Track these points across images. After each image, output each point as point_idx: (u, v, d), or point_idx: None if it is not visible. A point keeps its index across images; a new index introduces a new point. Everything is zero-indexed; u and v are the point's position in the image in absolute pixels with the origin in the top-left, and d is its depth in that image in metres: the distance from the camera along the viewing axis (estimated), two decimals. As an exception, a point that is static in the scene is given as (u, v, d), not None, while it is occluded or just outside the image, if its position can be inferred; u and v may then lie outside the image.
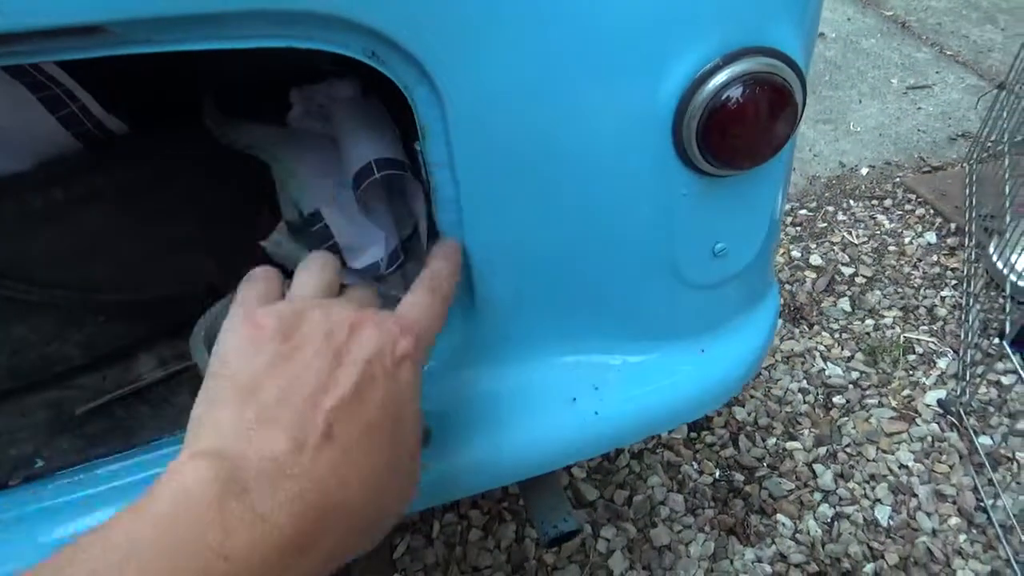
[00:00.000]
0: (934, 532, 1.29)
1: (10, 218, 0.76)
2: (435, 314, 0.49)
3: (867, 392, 1.56)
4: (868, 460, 1.42)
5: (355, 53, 0.58)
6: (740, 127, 0.62)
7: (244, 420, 0.36)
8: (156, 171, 0.83)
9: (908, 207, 2.13)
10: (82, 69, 0.80)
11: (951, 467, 1.39)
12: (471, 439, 0.73)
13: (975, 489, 1.35)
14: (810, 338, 1.70)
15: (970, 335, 1.65)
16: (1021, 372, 1.31)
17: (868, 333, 1.71)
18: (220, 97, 0.99)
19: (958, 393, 1.52)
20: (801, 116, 0.66)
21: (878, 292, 1.82)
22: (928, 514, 1.32)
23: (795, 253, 1.95)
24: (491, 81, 0.59)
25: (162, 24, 0.51)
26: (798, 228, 2.05)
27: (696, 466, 1.43)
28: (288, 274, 0.91)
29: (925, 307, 1.77)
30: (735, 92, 0.60)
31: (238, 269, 0.91)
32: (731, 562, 1.27)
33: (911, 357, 1.64)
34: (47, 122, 0.77)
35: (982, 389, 1.52)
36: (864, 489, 1.37)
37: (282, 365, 0.39)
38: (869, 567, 1.26)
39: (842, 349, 1.67)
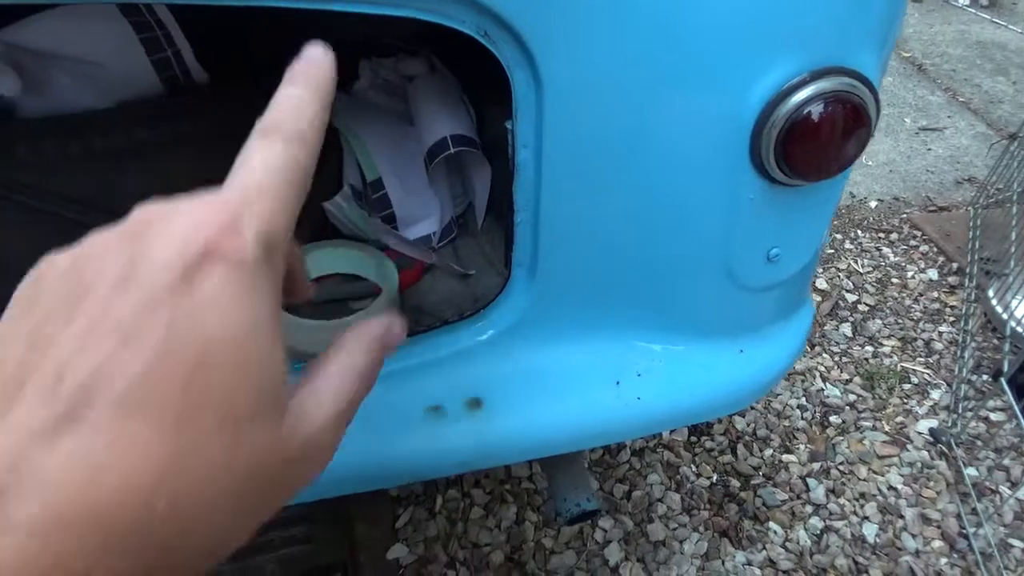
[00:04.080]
0: (917, 553, 1.35)
1: (96, 152, 0.78)
2: (287, 168, 0.29)
3: (862, 415, 1.62)
4: (859, 479, 1.47)
5: (469, 30, 0.61)
6: (817, 141, 0.66)
7: None
8: (237, 121, 0.85)
9: (913, 243, 2.19)
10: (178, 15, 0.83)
11: (938, 493, 1.45)
12: (521, 409, 0.76)
13: (959, 516, 1.40)
14: (811, 358, 1.75)
15: (964, 371, 1.71)
16: (1016, 409, 1.36)
17: (867, 359, 1.76)
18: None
19: (949, 424, 1.58)
20: (871, 136, 0.70)
21: (879, 321, 1.88)
22: (913, 535, 1.37)
23: (802, 275, 2.01)
24: (589, 72, 0.63)
25: (306, -20, 0.54)
26: (806, 252, 2.11)
27: (695, 468, 1.47)
28: (340, 235, 0.94)
29: (923, 340, 1.83)
30: (817, 108, 0.65)
31: (298, 225, 0.94)
32: (723, 563, 1.31)
33: (906, 386, 1.70)
34: (142, 63, 0.80)
35: (972, 423, 1.58)
36: (854, 506, 1.42)
37: (14, 327, 0.26)
38: (852, 581, 1.31)
39: (841, 372, 1.73)
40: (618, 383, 0.79)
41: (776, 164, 0.67)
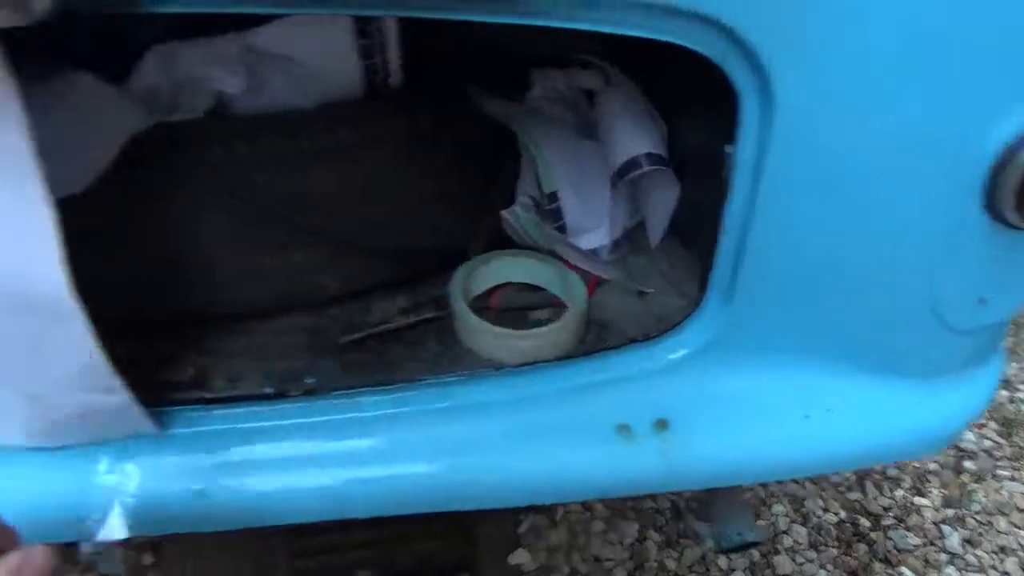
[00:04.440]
0: (1063, 616, 1.28)
1: (304, 150, 0.81)
2: None
3: (999, 463, 1.55)
4: (998, 531, 1.41)
5: (711, 53, 0.61)
6: (1063, 189, 0.63)
7: None
8: (431, 124, 0.86)
9: (1050, 285, 2.08)
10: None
11: (1088, 556, 1.37)
12: (708, 434, 0.75)
13: (1110, 582, 1.33)
14: (943, 398, 1.68)
15: (1112, 426, 1.62)
16: None
17: (1003, 404, 1.68)
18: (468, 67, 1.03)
19: (1097, 482, 1.50)
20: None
21: (1015, 364, 1.79)
22: (1059, 597, 1.30)
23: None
24: (824, 102, 0.62)
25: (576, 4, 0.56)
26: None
27: (821, 503, 1.43)
28: (513, 244, 0.95)
29: (1064, 389, 1.74)
30: (1065, 154, 0.62)
31: (479, 230, 0.95)
32: (852, 604, 1.27)
33: (1047, 437, 1.62)
34: (354, 68, 0.82)
35: (1123, 483, 1.49)
36: (993, 560, 1.36)
37: None
38: (990, 638, 1.25)
39: (975, 415, 1.65)
40: (807, 416, 0.77)
41: (1015, 208, 0.64)
